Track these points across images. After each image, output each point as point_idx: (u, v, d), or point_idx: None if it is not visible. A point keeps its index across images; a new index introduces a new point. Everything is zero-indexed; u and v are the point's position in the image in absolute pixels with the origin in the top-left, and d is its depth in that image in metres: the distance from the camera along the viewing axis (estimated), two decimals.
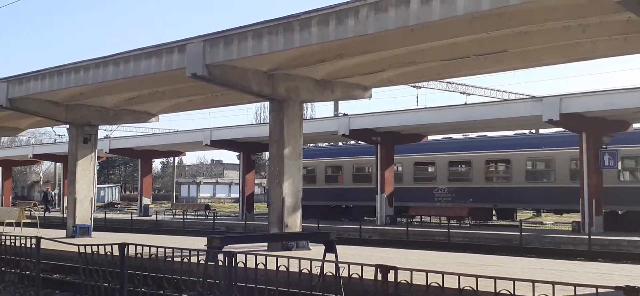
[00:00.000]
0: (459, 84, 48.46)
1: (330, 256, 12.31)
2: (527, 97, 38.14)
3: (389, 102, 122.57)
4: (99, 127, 24.46)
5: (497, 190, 33.46)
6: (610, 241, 23.47)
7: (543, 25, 13.97)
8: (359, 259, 13.19)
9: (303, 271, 8.53)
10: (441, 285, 6.81)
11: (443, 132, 37.44)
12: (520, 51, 15.88)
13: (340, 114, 39.93)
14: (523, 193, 32.37)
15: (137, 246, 10.44)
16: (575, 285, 5.70)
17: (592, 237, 22.95)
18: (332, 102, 45.47)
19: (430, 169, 36.82)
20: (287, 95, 17.79)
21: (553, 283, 5.80)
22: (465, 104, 38.43)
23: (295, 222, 17.82)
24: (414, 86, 45.28)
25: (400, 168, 37.19)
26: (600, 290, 5.70)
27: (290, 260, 8.60)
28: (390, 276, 7.35)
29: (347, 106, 50.80)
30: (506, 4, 12.10)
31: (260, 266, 8.96)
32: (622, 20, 13.11)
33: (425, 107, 35.90)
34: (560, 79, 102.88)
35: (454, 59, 16.70)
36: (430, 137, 36.59)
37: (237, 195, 49.49)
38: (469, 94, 49.64)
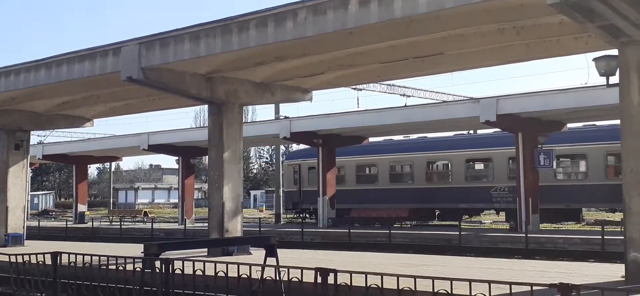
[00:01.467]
0: (399, 86, 48.89)
1: (271, 261, 12.22)
2: (465, 98, 38.81)
3: (330, 104, 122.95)
4: (32, 132, 23.69)
5: (567, 189, 31.03)
6: (546, 239, 24.05)
7: (479, 28, 14.18)
8: (300, 262, 13.09)
9: (242, 276, 8.42)
10: (380, 286, 6.80)
11: (384, 134, 37.71)
12: (457, 53, 16.09)
13: (281, 117, 39.77)
14: (601, 191, 29.18)
15: (71, 255, 10.13)
16: (510, 284, 5.76)
17: (529, 235, 23.46)
18: (274, 105, 45.13)
19: (480, 167, 34.07)
20: (226, 98, 17.59)
21: (489, 282, 5.85)
22: (405, 106, 38.82)
23: (235, 227, 17.62)
24: (354, 88, 45.49)
25: (448, 166, 34.98)
26: (535, 288, 5.77)
27: (229, 265, 8.46)
28: (330, 279, 7.32)
29: (289, 109, 50.75)
30: (442, 7, 12.22)
31: (199, 273, 8.80)
32: (555, 22, 13.41)
33: (366, 110, 36.10)
34: (498, 81, 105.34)
35: (393, 62, 16.81)
36: (480, 131, 34.32)
37: (177, 200, 48.75)
38: (409, 96, 50.11)
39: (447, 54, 15.98)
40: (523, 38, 14.55)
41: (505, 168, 31.87)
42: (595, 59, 12.50)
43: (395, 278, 6.67)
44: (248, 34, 14.47)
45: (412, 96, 50.40)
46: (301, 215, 40.25)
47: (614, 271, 12.37)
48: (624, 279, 11.38)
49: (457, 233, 25.04)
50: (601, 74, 12.40)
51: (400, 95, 50.02)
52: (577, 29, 13.02)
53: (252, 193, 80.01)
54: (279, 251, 13.54)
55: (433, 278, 6.41)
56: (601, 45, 13.06)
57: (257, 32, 14.33)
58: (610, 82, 12.33)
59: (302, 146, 41.92)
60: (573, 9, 10.60)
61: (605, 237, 20.95)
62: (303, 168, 39.63)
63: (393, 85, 47.65)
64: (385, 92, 48.63)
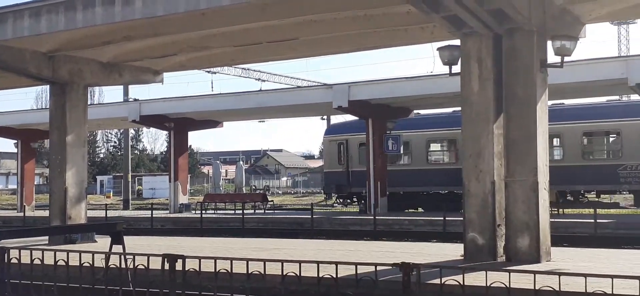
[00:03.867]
0: (255, 71, 48.98)
1: (117, 248, 11.75)
2: (319, 84, 39.49)
3: (183, 87, 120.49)
4: None
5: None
6: (393, 221, 25.01)
7: (332, 15, 14.38)
8: (149, 249, 12.73)
9: (85, 264, 7.99)
10: (230, 271, 6.70)
11: (238, 119, 37.51)
12: (311, 39, 16.27)
13: (130, 100, 38.37)
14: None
15: None
16: (356, 264, 5.88)
17: (377, 217, 24.26)
18: (123, 87, 43.52)
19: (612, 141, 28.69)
20: (70, 78, 16.70)
21: (336, 263, 5.94)
22: (261, 90, 38.87)
23: (79, 213, 16.80)
24: (209, 71, 44.96)
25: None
26: (379, 268, 5.93)
27: (70, 253, 8.01)
28: (178, 265, 7.12)
29: (139, 91, 48.94)
30: None
31: (37, 262, 8.28)
32: (403, 12, 13.86)
33: (220, 93, 35.71)
34: (353, 67, 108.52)
35: (248, 45, 16.71)
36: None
37: (15, 186, 45.80)
38: (264, 81, 50.36)
39: (301, 39, 16.10)
40: (374, 26, 14.95)
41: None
42: (439, 49, 13.05)
43: (245, 262, 6.60)
44: (94, 12, 13.78)
45: (268, 81, 50.71)
46: (348, 200, 33.22)
47: (454, 251, 13.07)
48: (462, 258, 12.05)
49: (309, 216, 25.42)
50: (444, 63, 12.94)
51: (256, 79, 50.17)
52: (423, 19, 13.55)
53: (99, 178, 76.80)
54: (127, 239, 13.06)
55: (282, 261, 6.41)
56: (446, 35, 13.69)
57: (103, 9, 13.68)
58: (452, 71, 12.90)
59: (349, 118, 34.71)
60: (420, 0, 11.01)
61: (447, 218, 22.07)
62: (352, 144, 32.27)
63: (248, 69, 47.64)
64: (240, 76, 48.54)
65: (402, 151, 29.91)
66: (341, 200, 34.06)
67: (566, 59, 12.23)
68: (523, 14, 11.40)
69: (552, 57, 12.27)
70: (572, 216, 24.99)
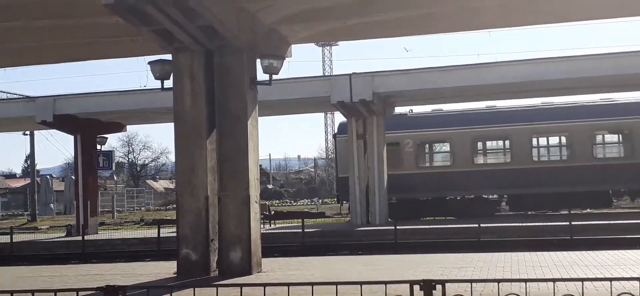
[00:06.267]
0: None
1: None
2: (21, 97, 36.43)
3: None
4: None
5: None
6: (105, 242, 23.93)
7: (34, 23, 13.27)
8: None
9: None
10: None
11: None
12: (11, 47, 14.95)
13: None
14: None
15: None
16: (56, 291, 5.41)
17: (86, 238, 22.96)
18: None
19: None
20: None
21: (33, 292, 5.41)
22: None
23: None
24: None
25: None
26: (82, 293, 5.53)
27: None
28: None
29: None
30: None
31: None
32: (111, 23, 13.25)
33: None
34: (62, 79, 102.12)
35: None
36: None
37: None
38: None
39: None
40: (82, 37, 14.17)
41: None
42: (150, 63, 12.80)
43: None
44: None
45: None
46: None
47: (168, 269, 12.82)
48: (176, 275, 11.86)
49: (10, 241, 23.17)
50: (156, 78, 12.73)
51: None
52: (133, 32, 13.12)
53: None
54: None
55: None
56: (159, 49, 13.44)
57: None
58: (165, 86, 12.71)
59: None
60: (127, 11, 10.66)
61: (162, 236, 21.68)
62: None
63: None
64: None
65: (114, 168, 28.95)
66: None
67: (276, 77, 12.75)
68: (232, 32, 11.63)
69: (262, 76, 12.72)
70: (284, 227, 26.18)
